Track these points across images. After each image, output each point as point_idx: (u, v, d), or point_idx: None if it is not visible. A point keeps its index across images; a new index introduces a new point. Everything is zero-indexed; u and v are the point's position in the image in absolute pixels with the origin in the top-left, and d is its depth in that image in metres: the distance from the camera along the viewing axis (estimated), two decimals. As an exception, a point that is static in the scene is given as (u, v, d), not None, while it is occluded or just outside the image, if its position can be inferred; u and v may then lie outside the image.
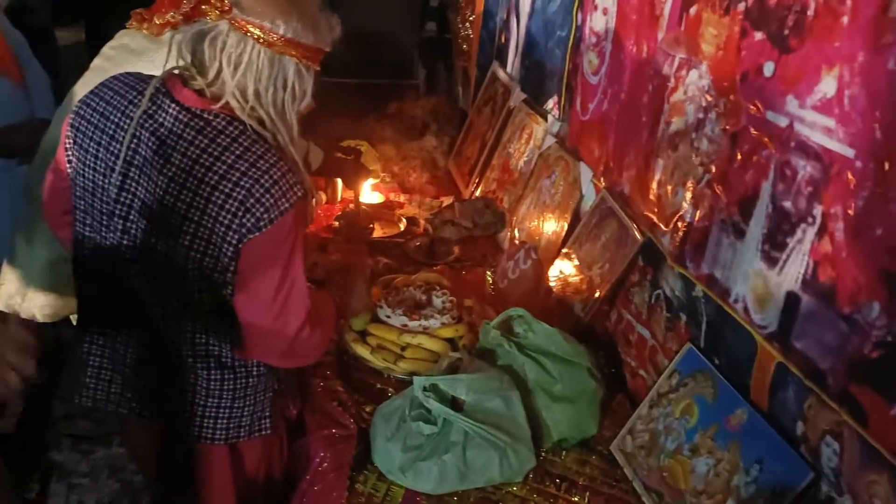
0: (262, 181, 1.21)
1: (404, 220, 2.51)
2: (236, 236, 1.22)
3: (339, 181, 2.60)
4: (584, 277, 1.89)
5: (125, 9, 3.94)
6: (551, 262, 2.05)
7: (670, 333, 1.60)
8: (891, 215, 1.01)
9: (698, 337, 1.50)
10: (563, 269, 1.99)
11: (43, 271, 2.12)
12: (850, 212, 1.07)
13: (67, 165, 1.37)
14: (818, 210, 1.14)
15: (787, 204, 1.21)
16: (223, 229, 1.22)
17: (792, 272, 1.20)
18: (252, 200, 1.21)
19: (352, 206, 2.54)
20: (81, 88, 2.05)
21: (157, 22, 1.98)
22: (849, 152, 1.07)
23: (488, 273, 2.15)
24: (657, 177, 1.66)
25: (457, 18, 3.57)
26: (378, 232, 2.44)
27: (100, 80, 2.04)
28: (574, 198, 2.08)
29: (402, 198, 2.71)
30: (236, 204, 1.21)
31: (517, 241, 2.30)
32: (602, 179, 1.95)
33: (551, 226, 2.15)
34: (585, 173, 2.06)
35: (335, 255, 2.20)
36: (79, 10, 5.47)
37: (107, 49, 2.09)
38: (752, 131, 1.31)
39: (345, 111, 2.79)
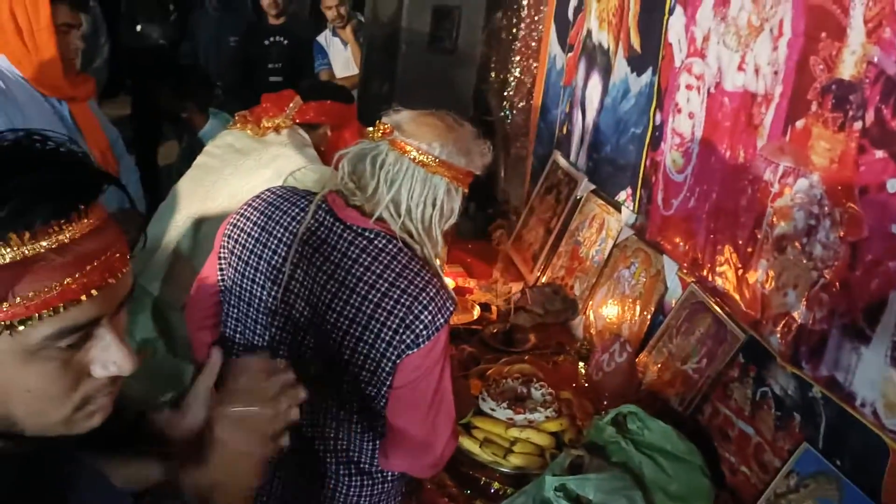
0: (421, 298, 1.27)
1: (477, 306, 2.55)
2: (395, 352, 1.27)
3: None
4: (679, 371, 1.93)
5: (174, 83, 4.06)
6: (635, 354, 2.08)
7: (781, 433, 1.62)
8: None
9: (816, 438, 1.52)
10: (652, 363, 2.02)
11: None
12: None
13: (219, 274, 1.42)
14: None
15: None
16: (384, 345, 1.27)
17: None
18: (412, 317, 1.26)
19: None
20: (187, 184, 2.13)
21: (265, 125, 2.09)
22: None
23: (581, 364, 2.18)
24: (759, 277, 1.72)
25: (502, 104, 3.70)
26: (453, 319, 2.47)
27: (206, 176, 2.14)
28: (658, 290, 2.13)
29: (471, 283, 2.76)
30: (397, 321, 1.26)
31: (593, 331, 2.35)
32: (689, 274, 2.01)
33: (633, 317, 2.19)
34: (669, 266, 2.12)
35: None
36: (122, 84, 5.64)
37: (211, 147, 2.18)
38: (877, 242, 1.37)
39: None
